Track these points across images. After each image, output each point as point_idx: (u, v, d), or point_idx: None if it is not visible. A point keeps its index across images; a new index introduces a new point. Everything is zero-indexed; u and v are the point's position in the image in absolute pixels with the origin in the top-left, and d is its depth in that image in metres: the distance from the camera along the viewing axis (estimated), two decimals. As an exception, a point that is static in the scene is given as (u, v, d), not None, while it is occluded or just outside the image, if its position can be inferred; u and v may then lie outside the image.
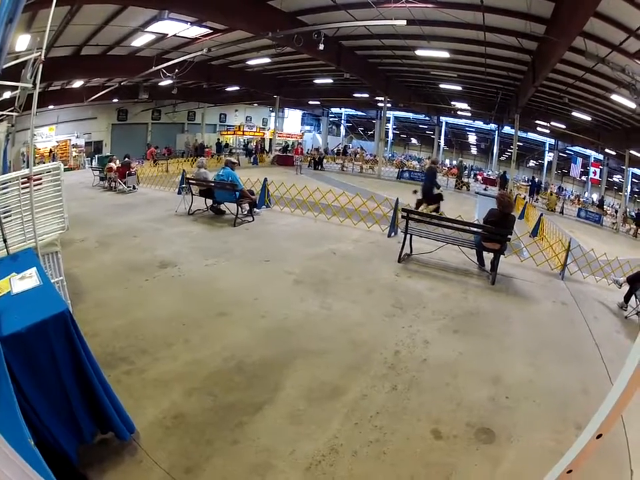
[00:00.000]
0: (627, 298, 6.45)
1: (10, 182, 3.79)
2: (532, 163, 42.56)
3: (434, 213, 10.12)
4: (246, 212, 9.84)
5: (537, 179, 32.66)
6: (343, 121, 43.60)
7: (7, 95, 11.25)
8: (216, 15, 12.69)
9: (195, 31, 15.25)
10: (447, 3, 11.91)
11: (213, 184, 9.71)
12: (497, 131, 33.92)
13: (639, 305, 6.10)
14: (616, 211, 26.89)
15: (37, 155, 20.98)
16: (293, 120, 41.72)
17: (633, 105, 14.42)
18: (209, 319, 4.72)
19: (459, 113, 31.25)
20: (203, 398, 3.32)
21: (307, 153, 31.34)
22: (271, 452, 2.83)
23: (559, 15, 10.26)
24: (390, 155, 42.92)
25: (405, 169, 28.35)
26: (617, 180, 32.88)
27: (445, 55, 16.33)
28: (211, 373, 3.67)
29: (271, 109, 36.45)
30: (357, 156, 32.88)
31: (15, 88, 5.44)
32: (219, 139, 33.33)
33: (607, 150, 27.05)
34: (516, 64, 16.39)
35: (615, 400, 1.58)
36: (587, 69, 13.59)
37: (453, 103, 27.68)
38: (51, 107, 21.52)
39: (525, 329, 5.19)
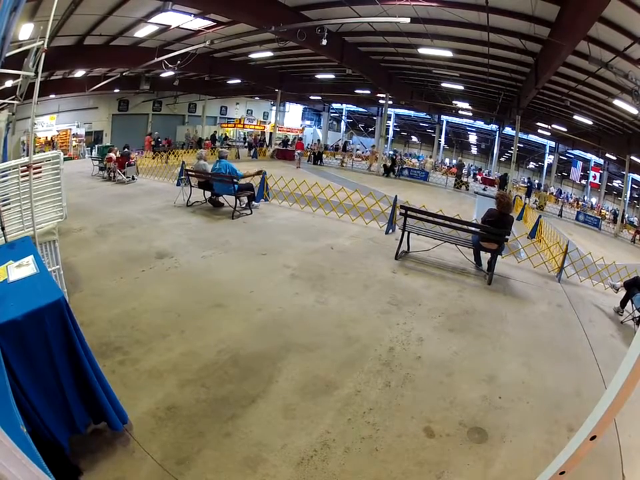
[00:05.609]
0: (623, 303, 6.46)
1: (9, 170, 3.78)
2: (532, 165, 42.55)
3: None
4: (244, 205, 9.83)
5: (536, 181, 32.72)
6: (343, 117, 43.49)
7: (9, 83, 11.22)
8: (220, 8, 12.61)
9: (198, 23, 15.21)
10: (451, 2, 11.87)
11: (211, 176, 9.69)
12: (497, 132, 33.86)
13: (635, 310, 6.12)
14: (615, 216, 26.91)
15: (36, 144, 20.91)
16: (293, 114, 41.56)
17: (635, 111, 14.41)
18: (205, 311, 4.72)
19: (460, 112, 31.18)
20: (197, 390, 3.33)
21: (307, 147, 31.24)
22: (263, 445, 2.84)
23: (564, 18, 10.22)
24: (392, 151, 42.87)
25: (405, 166, 28.29)
26: (617, 185, 32.88)
27: (448, 54, 16.30)
28: (205, 364, 3.67)
29: (272, 102, 36.31)
30: (370, 154, 31.01)
31: (17, 76, 5.41)
32: (215, 132, 33.20)
33: (607, 155, 27.07)
34: (519, 65, 16.35)
35: (609, 402, 1.59)
36: (590, 73, 13.54)
37: (454, 102, 27.61)
38: (52, 96, 21.38)
39: (520, 329, 5.20)
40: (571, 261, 7.94)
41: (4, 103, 9.66)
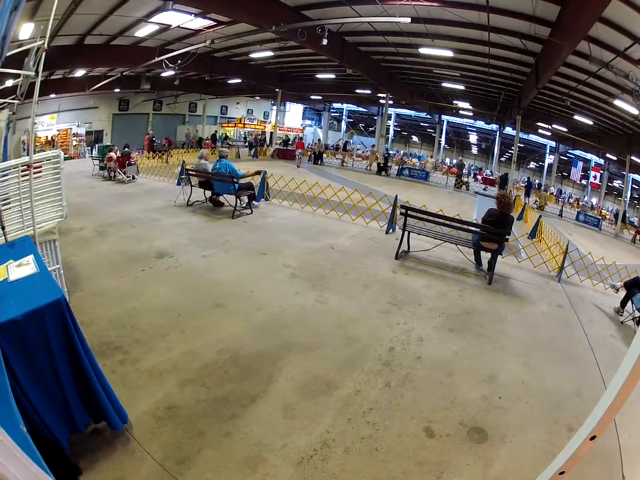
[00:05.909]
0: (623, 303, 6.46)
1: (10, 170, 3.77)
2: (532, 165, 42.51)
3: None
4: (244, 204, 9.83)
5: (536, 181, 32.69)
6: (344, 117, 43.49)
7: (9, 82, 11.23)
8: (220, 7, 12.60)
9: (199, 23, 15.22)
10: (452, 2, 11.86)
11: (212, 175, 9.68)
12: (498, 132, 33.85)
13: (635, 310, 6.12)
14: (615, 216, 26.87)
15: (37, 144, 20.91)
16: (294, 114, 41.58)
17: (635, 111, 14.38)
18: (205, 311, 4.72)
19: (460, 112, 31.19)
20: (197, 389, 3.33)
21: (308, 147, 31.26)
22: (263, 445, 2.83)
23: (564, 18, 10.20)
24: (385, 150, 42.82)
25: (405, 166, 28.27)
26: (617, 185, 32.85)
27: (449, 54, 16.30)
28: (205, 364, 3.67)
29: (272, 102, 36.34)
30: (371, 154, 30.59)
31: (18, 76, 5.42)
32: (215, 131, 33.26)
33: (607, 155, 27.04)
34: (519, 65, 16.34)
35: (609, 402, 1.58)
36: (591, 73, 13.53)
37: (455, 102, 27.60)
38: (52, 95, 21.40)
39: (520, 329, 5.20)
40: (571, 261, 7.94)
41: (4, 103, 9.68)
